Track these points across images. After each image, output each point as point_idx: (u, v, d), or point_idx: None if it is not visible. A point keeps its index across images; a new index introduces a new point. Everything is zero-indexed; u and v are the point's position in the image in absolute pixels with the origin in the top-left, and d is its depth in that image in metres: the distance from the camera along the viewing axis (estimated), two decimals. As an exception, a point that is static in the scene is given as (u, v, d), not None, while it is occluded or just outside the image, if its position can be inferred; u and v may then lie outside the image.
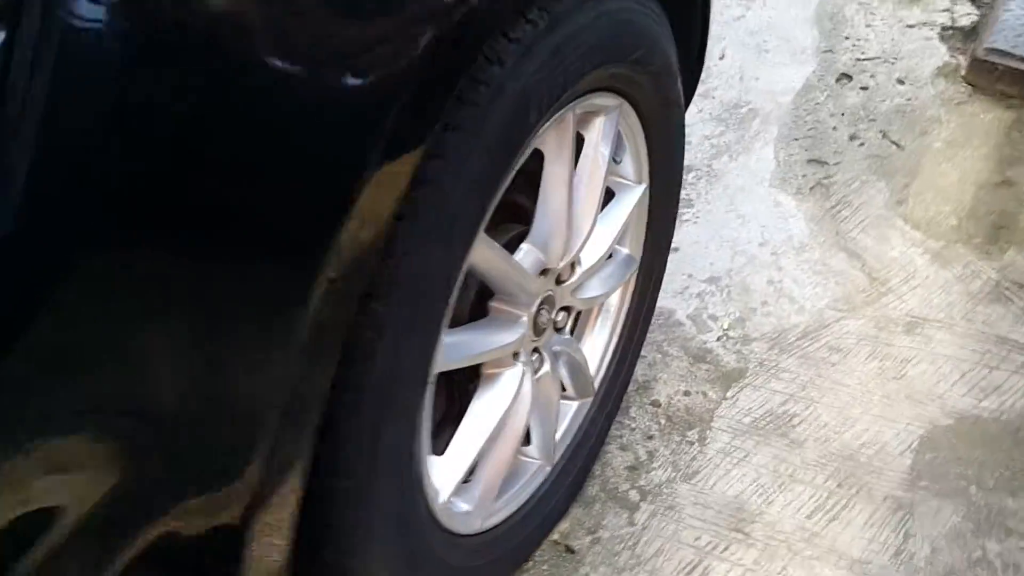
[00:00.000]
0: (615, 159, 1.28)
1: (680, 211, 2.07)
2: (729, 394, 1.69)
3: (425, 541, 1.04)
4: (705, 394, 1.69)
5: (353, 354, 0.79)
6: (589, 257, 1.25)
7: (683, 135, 1.37)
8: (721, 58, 2.40)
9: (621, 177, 1.30)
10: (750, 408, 1.66)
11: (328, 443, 0.81)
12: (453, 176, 0.83)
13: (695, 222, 2.02)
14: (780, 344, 1.78)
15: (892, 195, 2.06)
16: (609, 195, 1.31)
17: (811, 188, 2.08)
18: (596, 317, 1.41)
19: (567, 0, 0.93)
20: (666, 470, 1.56)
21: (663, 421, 1.64)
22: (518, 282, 1.09)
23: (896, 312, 1.83)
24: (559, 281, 1.21)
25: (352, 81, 0.70)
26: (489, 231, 1.14)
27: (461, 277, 0.94)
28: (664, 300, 1.84)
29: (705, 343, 1.79)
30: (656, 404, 1.67)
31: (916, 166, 2.11)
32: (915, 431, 1.61)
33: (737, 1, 2.57)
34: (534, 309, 1.16)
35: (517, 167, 0.96)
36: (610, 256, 1.36)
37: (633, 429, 1.62)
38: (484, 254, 0.98)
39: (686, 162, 2.15)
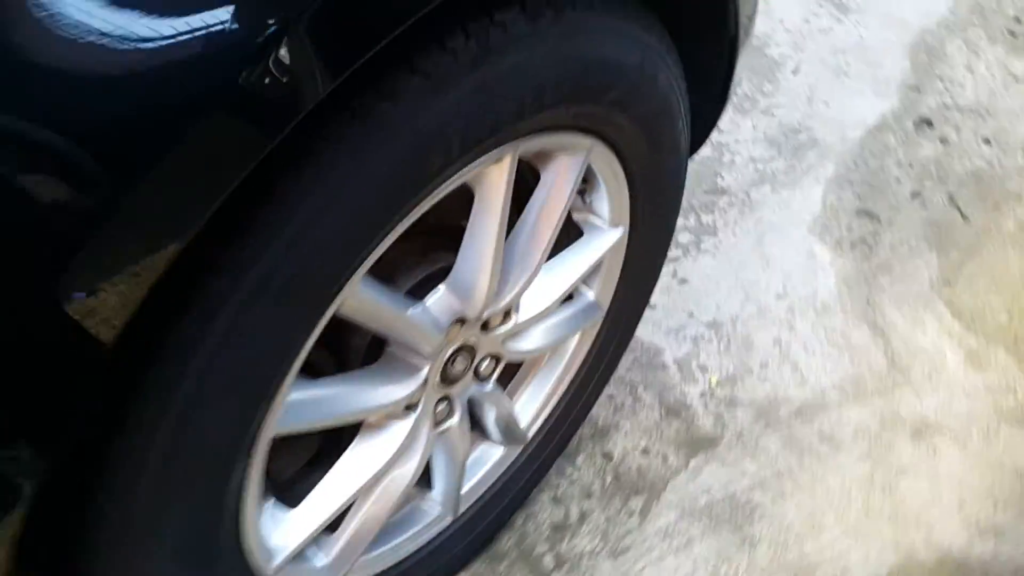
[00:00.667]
0: (583, 199, 1.08)
1: (700, 237, 1.86)
2: (692, 464, 1.50)
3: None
4: (666, 458, 1.50)
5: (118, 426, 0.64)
6: (532, 305, 1.07)
7: (681, 179, 1.16)
8: (794, 72, 2.14)
9: (593, 215, 1.11)
10: (710, 486, 1.47)
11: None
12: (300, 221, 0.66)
13: (713, 254, 1.80)
14: (768, 417, 1.58)
15: (941, 272, 1.81)
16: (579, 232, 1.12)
17: (853, 243, 1.84)
18: (539, 364, 1.23)
19: (512, 27, 0.73)
20: (594, 539, 1.39)
21: (609, 479, 1.46)
22: (413, 335, 0.91)
23: (908, 410, 1.60)
24: (486, 327, 1.03)
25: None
26: (407, 266, 0.97)
27: (318, 328, 0.77)
28: (654, 335, 1.65)
29: (685, 396, 1.59)
30: (608, 456, 1.49)
31: (977, 244, 1.85)
32: (886, 560, 1.40)
33: (829, 10, 2.28)
34: (443, 359, 0.99)
35: (416, 210, 0.78)
36: (569, 298, 1.17)
37: (573, 481, 1.45)
38: (357, 303, 0.80)
39: (722, 183, 1.93)
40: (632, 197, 1.10)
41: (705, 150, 1.92)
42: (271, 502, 0.93)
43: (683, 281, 1.75)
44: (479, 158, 0.80)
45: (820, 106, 2.07)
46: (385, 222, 0.73)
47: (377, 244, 0.75)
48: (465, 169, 0.80)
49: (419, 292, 0.94)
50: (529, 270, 1.00)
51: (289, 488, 1.00)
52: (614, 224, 1.12)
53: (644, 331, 1.64)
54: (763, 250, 1.82)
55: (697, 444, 1.52)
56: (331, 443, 1.03)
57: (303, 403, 0.83)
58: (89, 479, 0.69)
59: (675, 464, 1.50)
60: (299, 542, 0.94)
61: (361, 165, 0.67)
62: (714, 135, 1.50)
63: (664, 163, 1.09)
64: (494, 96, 0.74)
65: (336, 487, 0.97)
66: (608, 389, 1.49)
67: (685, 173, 1.19)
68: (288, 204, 0.65)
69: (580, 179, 0.99)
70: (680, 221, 1.79)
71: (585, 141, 0.94)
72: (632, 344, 1.58)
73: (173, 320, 0.63)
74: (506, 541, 1.36)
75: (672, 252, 1.78)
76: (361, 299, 0.80)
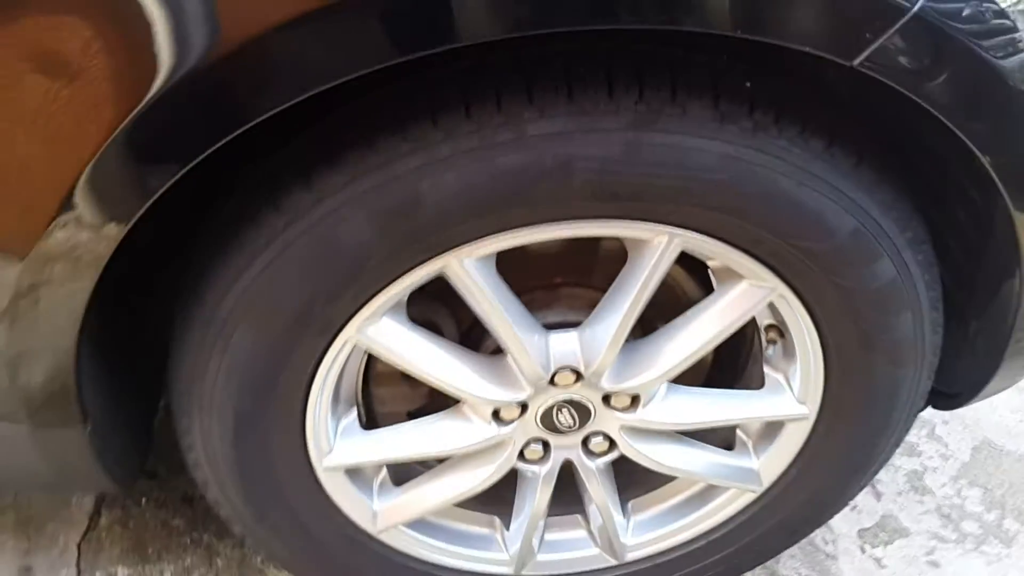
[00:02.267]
0: (772, 350, 1.03)
1: (987, 536, 1.55)
2: None
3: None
4: None
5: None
6: (662, 409, 1.04)
7: (897, 405, 1.03)
8: None
9: (776, 373, 1.05)
10: None
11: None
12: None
13: (991, 562, 1.51)
14: None
15: None
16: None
17: None
18: (670, 495, 1.18)
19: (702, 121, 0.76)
20: None
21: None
22: (517, 349, 0.96)
23: None
24: (607, 401, 1.04)
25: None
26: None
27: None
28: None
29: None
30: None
31: None
32: None
33: None
34: (548, 400, 1.02)
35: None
36: (730, 448, 1.12)
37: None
38: (463, 279, 0.89)
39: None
40: (827, 381, 1.02)
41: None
42: (351, 417, 1.05)
43: (934, 564, 1.50)
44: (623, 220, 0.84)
45: None
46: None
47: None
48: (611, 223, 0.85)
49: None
50: (660, 371, 0.99)
51: (379, 423, 1.11)
52: (800, 398, 1.05)
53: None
54: (1060, 597, 1.48)
55: None
56: (433, 409, 1.12)
57: (390, 338, 0.94)
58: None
59: None
60: (352, 460, 1.05)
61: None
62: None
63: (875, 368, 0.99)
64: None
65: (406, 438, 1.06)
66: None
67: (912, 408, 1.06)
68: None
69: (751, 314, 0.96)
70: (978, 507, 1.54)
71: (767, 276, 0.92)
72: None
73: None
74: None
75: (945, 528, 1.53)
76: (467, 277, 0.89)
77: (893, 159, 0.88)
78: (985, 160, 0.79)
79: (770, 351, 1.05)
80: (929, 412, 1.72)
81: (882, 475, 1.58)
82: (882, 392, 1.02)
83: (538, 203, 0.82)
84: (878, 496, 1.56)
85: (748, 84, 0.80)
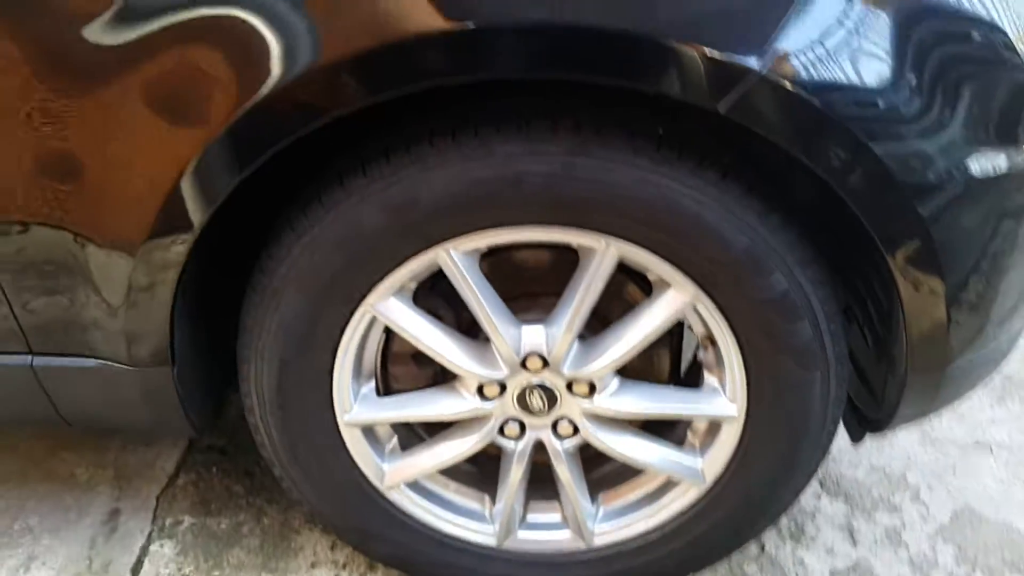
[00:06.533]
0: (707, 354, 1.27)
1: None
2: None
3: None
4: None
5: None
6: (613, 401, 1.30)
7: (811, 402, 1.24)
8: None
9: (709, 373, 1.28)
10: None
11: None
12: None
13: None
14: None
15: None
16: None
17: None
18: (629, 483, 1.40)
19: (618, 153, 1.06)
20: None
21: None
22: (493, 331, 1.25)
23: None
24: (570, 388, 1.29)
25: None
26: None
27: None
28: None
29: None
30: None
31: None
32: None
33: None
34: (522, 384, 1.29)
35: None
36: (682, 443, 1.35)
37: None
38: (451, 265, 1.19)
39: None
40: (748, 382, 1.24)
41: None
42: (370, 386, 1.34)
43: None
44: (567, 227, 1.13)
45: None
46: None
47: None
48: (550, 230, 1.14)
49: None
50: (607, 360, 1.25)
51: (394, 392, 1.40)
52: (730, 397, 1.27)
53: None
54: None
55: None
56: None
57: (397, 314, 1.23)
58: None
59: None
60: (367, 418, 1.33)
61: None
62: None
63: (784, 367, 1.21)
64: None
65: (408, 403, 1.34)
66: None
67: (829, 415, 1.26)
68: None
69: (678, 317, 1.21)
70: (950, 561, 1.66)
71: (687, 284, 1.17)
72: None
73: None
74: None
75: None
76: (456, 267, 1.19)
77: (783, 191, 1.14)
78: (841, 190, 1.04)
79: (706, 355, 1.29)
80: (915, 476, 1.88)
81: (860, 525, 1.73)
82: (795, 394, 1.24)
83: (501, 208, 1.12)
84: (854, 543, 1.70)
85: (660, 131, 1.10)
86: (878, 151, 1.01)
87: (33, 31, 1.01)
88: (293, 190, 1.23)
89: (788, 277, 1.15)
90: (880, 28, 0.99)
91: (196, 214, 1.10)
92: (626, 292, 1.32)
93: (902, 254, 1.09)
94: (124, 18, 1.00)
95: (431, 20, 0.97)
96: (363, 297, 1.21)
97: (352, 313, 1.23)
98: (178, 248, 1.12)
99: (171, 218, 1.09)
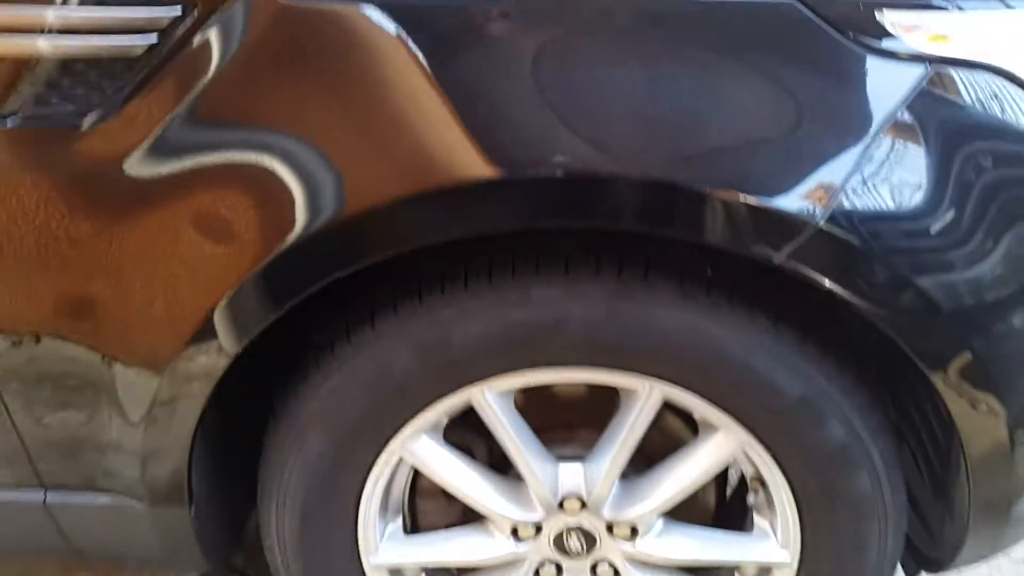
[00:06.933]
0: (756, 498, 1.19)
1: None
2: None
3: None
4: None
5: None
6: (657, 546, 1.21)
7: (867, 562, 1.16)
8: None
9: (761, 518, 1.20)
10: None
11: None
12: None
13: None
14: None
15: None
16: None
17: None
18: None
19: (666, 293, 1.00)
20: None
21: None
22: (528, 472, 1.17)
23: None
24: (611, 531, 1.21)
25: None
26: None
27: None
28: None
29: None
30: None
31: None
32: None
33: None
34: (559, 525, 1.20)
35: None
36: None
37: None
38: (487, 410, 1.13)
39: None
40: (802, 530, 1.16)
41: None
42: (397, 524, 1.27)
43: None
44: (609, 370, 1.06)
45: None
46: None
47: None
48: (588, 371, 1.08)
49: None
50: (652, 505, 1.17)
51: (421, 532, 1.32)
52: (782, 543, 1.19)
53: None
54: None
55: None
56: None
57: (427, 453, 1.17)
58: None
59: None
60: (394, 561, 1.25)
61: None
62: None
63: (841, 518, 1.13)
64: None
65: (439, 546, 1.26)
66: None
67: (886, 564, 1.17)
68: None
69: (726, 462, 1.14)
70: None
71: (737, 429, 1.10)
72: None
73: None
74: None
75: None
76: (489, 407, 1.12)
77: (838, 333, 1.07)
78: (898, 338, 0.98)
79: (757, 498, 1.21)
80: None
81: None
82: (851, 544, 1.15)
83: (539, 350, 1.06)
84: None
85: (709, 271, 1.04)
86: (926, 285, 0.96)
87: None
88: (322, 322, 1.18)
89: (846, 426, 1.07)
90: (927, 162, 0.94)
91: (222, 352, 1.05)
92: (669, 425, 1.25)
93: (953, 375, 1.01)
94: (158, 152, 0.97)
95: (466, 169, 0.92)
96: (391, 438, 1.15)
97: (379, 454, 1.16)
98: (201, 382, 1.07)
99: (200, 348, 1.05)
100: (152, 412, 1.10)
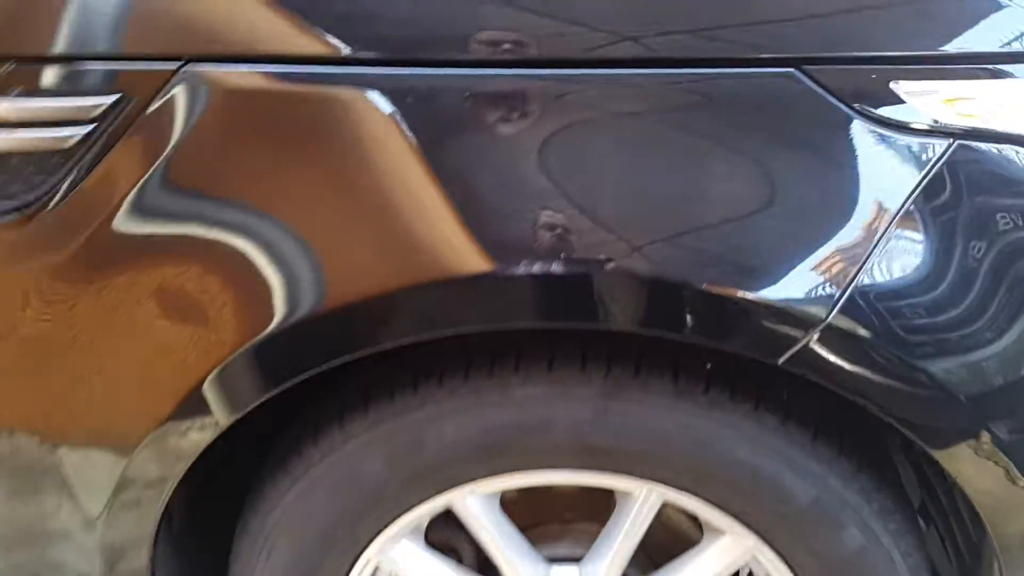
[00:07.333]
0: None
1: None
2: None
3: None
4: None
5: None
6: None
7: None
8: None
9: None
10: None
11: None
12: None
13: None
14: None
15: None
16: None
17: None
18: None
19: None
20: None
21: None
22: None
23: None
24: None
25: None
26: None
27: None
28: None
29: None
30: None
31: None
32: None
33: None
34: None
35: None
36: None
37: None
38: (469, 514, 1.03)
39: None
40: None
41: None
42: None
43: None
44: (601, 472, 0.96)
45: None
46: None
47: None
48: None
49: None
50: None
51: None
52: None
53: None
54: None
55: None
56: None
57: (407, 559, 1.07)
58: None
59: None
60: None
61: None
62: None
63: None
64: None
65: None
66: None
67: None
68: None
69: (734, 567, 1.03)
70: None
71: (744, 533, 0.99)
72: None
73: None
74: None
75: None
76: (470, 514, 1.02)
77: (854, 433, 0.97)
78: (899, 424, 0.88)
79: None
80: None
81: None
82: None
83: (522, 454, 0.96)
84: None
85: (708, 366, 0.94)
86: (942, 377, 0.86)
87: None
88: (291, 420, 1.08)
89: (864, 531, 0.97)
90: (948, 247, 0.84)
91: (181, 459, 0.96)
92: (673, 520, 1.15)
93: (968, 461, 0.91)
94: (96, 247, 0.89)
95: (450, 265, 0.84)
96: (365, 547, 1.05)
97: (354, 563, 1.06)
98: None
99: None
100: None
